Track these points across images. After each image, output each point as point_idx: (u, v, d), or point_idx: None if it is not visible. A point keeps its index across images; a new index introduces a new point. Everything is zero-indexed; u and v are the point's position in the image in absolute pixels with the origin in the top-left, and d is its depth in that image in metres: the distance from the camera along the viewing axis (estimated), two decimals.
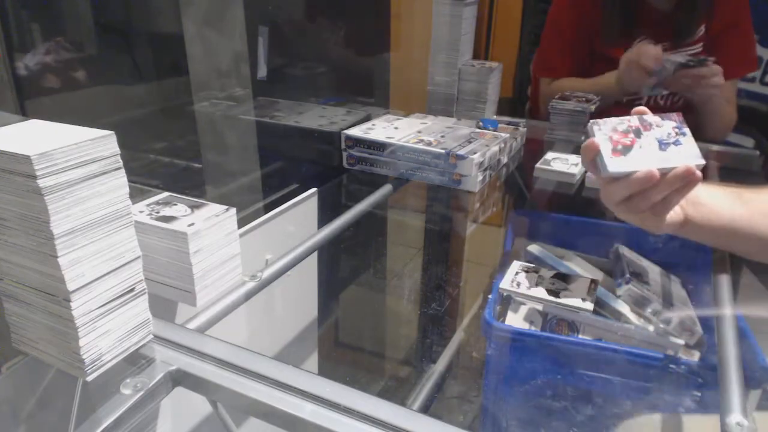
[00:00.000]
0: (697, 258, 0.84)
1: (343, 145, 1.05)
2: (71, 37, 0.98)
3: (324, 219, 0.87)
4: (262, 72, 1.19)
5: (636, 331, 0.74)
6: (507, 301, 0.77)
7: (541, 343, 0.71)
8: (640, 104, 1.18)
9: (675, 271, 0.90)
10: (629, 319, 0.77)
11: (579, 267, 0.90)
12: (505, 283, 0.79)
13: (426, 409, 1.19)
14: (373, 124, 1.12)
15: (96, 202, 0.43)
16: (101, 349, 0.46)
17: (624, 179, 0.60)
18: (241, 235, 0.63)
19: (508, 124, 1.20)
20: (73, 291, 0.43)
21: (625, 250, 0.88)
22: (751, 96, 1.67)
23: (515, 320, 0.76)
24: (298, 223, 0.86)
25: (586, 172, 1.07)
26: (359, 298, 1.50)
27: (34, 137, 0.41)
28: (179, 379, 0.48)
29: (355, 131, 1.06)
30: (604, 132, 0.62)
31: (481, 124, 1.16)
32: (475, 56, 1.31)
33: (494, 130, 1.13)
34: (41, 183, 0.39)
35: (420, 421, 0.42)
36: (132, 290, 0.48)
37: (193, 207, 0.60)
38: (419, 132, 1.07)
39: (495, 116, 1.27)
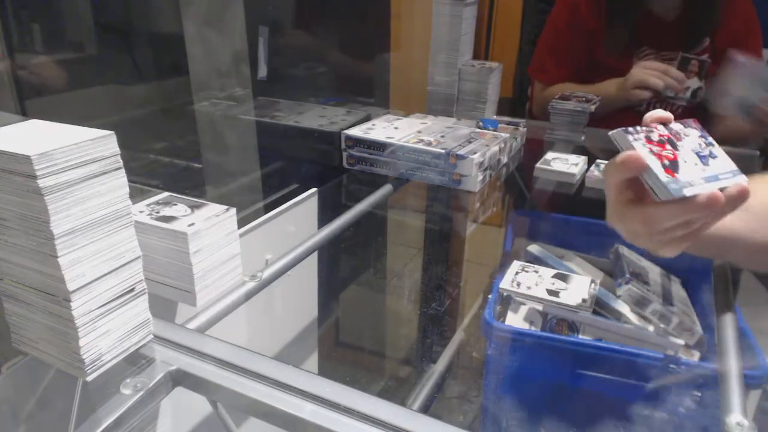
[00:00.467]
0: (697, 258, 0.84)
1: (343, 145, 1.05)
2: (71, 37, 0.98)
3: (324, 219, 0.87)
4: (263, 72, 1.19)
5: (636, 331, 0.74)
6: (507, 301, 0.77)
7: (541, 343, 0.71)
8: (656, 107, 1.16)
9: (675, 271, 0.90)
10: (629, 319, 0.77)
11: (579, 267, 0.90)
12: (505, 283, 0.79)
13: (426, 409, 1.19)
14: (373, 124, 1.12)
15: (96, 202, 0.43)
16: (101, 349, 0.46)
17: (680, 202, 0.49)
18: (241, 235, 0.63)
19: (508, 124, 1.20)
20: (73, 291, 0.43)
21: (625, 250, 0.88)
22: None
23: (515, 320, 0.76)
24: (298, 223, 0.86)
25: (586, 171, 1.07)
26: (359, 298, 1.50)
27: (34, 137, 0.41)
28: (179, 379, 0.48)
29: (355, 131, 1.06)
30: (641, 142, 0.51)
31: (481, 124, 1.16)
32: (475, 56, 1.31)
33: (494, 130, 1.13)
34: (41, 183, 0.39)
35: (420, 421, 0.42)
36: (132, 290, 0.48)
37: (193, 207, 0.60)
38: (419, 132, 1.07)
39: (495, 116, 1.27)
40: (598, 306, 0.78)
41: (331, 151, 1.10)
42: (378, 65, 1.53)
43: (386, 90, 1.52)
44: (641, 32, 1.26)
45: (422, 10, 1.29)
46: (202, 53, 1.07)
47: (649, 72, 1.18)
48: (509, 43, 1.93)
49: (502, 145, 1.07)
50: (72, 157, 0.41)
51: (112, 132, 0.43)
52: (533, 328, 0.75)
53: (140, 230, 0.51)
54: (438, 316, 1.32)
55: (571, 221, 0.98)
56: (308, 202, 0.88)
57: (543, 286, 0.79)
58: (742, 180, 0.51)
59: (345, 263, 1.42)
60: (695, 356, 0.73)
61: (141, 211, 0.59)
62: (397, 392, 1.36)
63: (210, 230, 0.58)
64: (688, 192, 0.49)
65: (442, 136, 1.05)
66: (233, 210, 0.61)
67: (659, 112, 0.53)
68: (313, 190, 0.90)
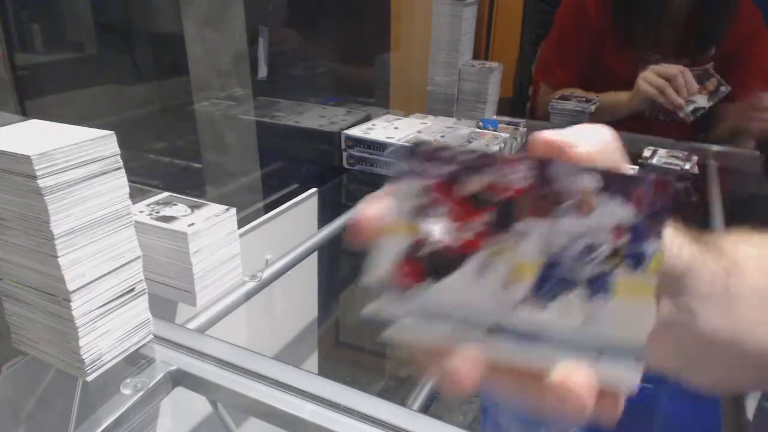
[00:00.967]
0: None
1: (343, 145, 1.05)
2: (71, 37, 0.98)
3: (324, 219, 0.87)
4: (263, 72, 1.20)
5: None
6: None
7: None
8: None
9: None
10: None
11: None
12: None
13: (426, 409, 1.19)
14: (373, 124, 1.12)
15: (96, 202, 0.43)
16: (101, 349, 0.46)
17: None
18: (241, 235, 0.63)
19: (508, 124, 1.20)
20: (73, 291, 0.43)
21: None
22: None
23: None
24: (298, 223, 0.86)
25: None
26: (359, 298, 1.50)
27: (34, 137, 0.41)
28: (179, 379, 0.48)
29: (355, 131, 1.06)
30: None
31: (481, 124, 1.16)
32: (475, 56, 1.31)
33: (494, 130, 1.13)
34: (41, 183, 0.39)
35: (420, 421, 0.42)
36: (132, 290, 0.48)
37: (193, 207, 0.60)
38: (419, 132, 1.07)
39: (495, 116, 1.27)
40: None
41: (331, 151, 1.10)
42: (378, 65, 1.53)
43: (386, 90, 1.52)
44: (648, 35, 1.25)
45: (422, 10, 1.29)
46: (202, 53, 1.07)
47: (655, 81, 1.15)
48: (509, 43, 1.93)
49: (502, 145, 1.07)
50: (72, 157, 0.41)
51: (112, 132, 0.43)
52: None
53: (140, 230, 0.51)
54: None
55: None
56: (308, 202, 0.88)
57: None
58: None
59: (345, 263, 1.42)
60: None
61: (141, 211, 0.59)
62: (397, 392, 1.36)
63: (210, 230, 0.58)
64: None
65: (442, 136, 1.05)
66: (233, 210, 0.61)
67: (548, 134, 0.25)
68: (313, 190, 0.90)
